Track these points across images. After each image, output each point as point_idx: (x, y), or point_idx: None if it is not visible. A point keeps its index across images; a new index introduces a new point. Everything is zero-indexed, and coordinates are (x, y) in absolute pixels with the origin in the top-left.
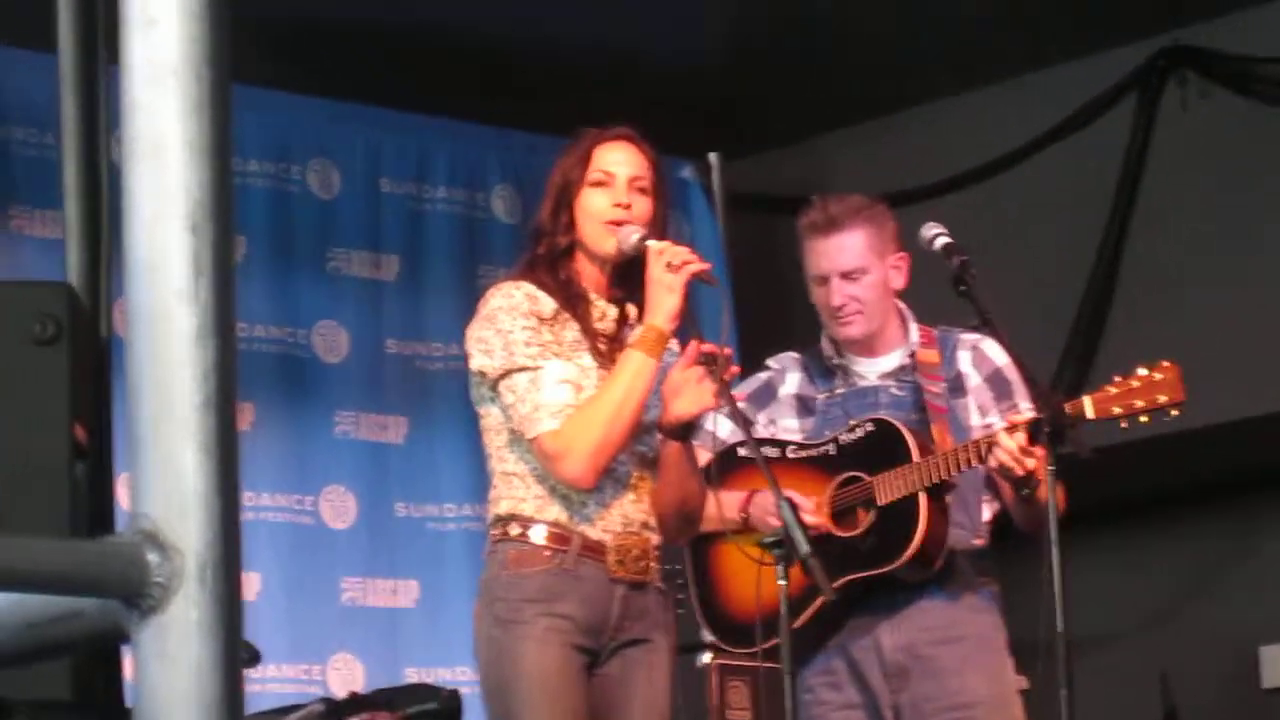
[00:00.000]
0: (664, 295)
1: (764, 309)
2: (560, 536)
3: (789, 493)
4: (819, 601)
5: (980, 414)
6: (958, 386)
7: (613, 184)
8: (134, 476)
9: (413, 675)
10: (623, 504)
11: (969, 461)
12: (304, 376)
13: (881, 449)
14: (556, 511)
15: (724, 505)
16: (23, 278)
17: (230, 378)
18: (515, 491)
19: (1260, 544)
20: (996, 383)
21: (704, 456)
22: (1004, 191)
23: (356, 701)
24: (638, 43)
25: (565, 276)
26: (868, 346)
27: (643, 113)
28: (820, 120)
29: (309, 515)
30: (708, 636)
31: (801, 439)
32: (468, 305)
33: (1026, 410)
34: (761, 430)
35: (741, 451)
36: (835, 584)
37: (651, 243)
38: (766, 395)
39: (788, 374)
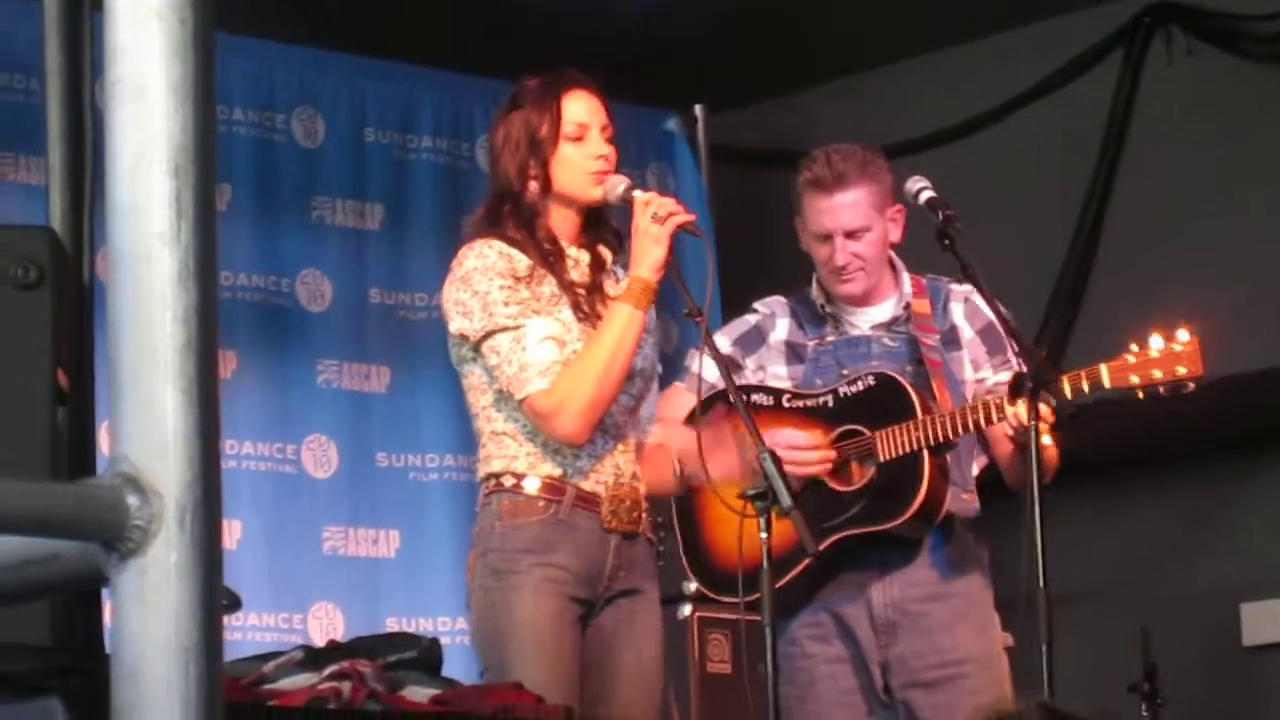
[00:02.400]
0: (650, 246)
1: (748, 260)
2: (554, 488)
3: (788, 432)
4: (808, 558)
5: (973, 368)
6: (952, 339)
7: (587, 136)
8: (114, 419)
9: (393, 625)
10: (614, 455)
11: (977, 422)
12: (287, 325)
13: (883, 403)
14: (550, 466)
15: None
16: (6, 223)
17: (211, 320)
18: (506, 450)
19: (1242, 501)
20: (990, 336)
21: (688, 399)
22: (989, 147)
23: (336, 649)
24: None
25: (540, 232)
26: (861, 296)
27: (628, 64)
28: (804, 74)
29: (291, 464)
30: (691, 585)
31: (791, 386)
32: (452, 256)
33: (1016, 365)
34: (750, 376)
35: (731, 398)
36: (831, 540)
37: (638, 193)
38: (755, 340)
39: (777, 319)
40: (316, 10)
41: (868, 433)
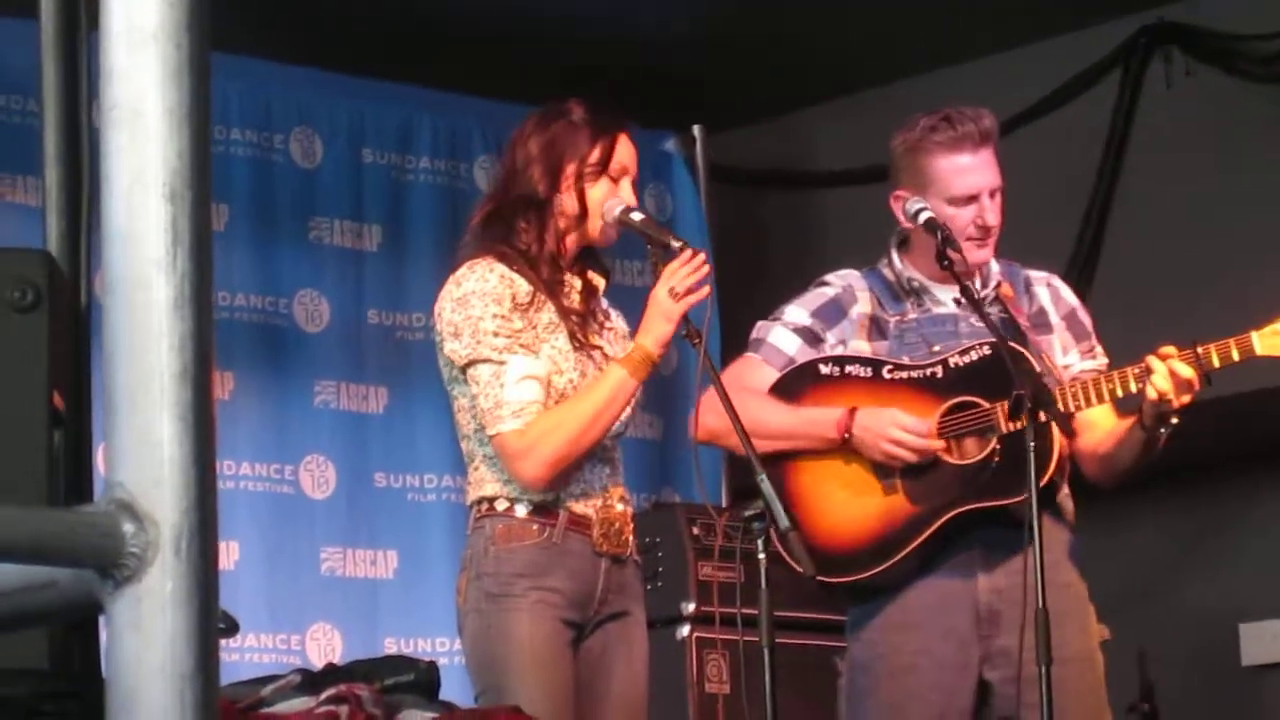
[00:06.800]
0: (660, 321)
1: (746, 281)
2: (547, 511)
3: (895, 413)
4: (919, 539)
5: (1063, 353)
6: (1041, 322)
7: (623, 182)
8: (110, 446)
9: (391, 646)
10: (603, 479)
11: (1113, 392)
12: (285, 346)
13: (1002, 374)
14: (542, 491)
15: (816, 423)
16: (2, 245)
17: (208, 347)
18: (500, 474)
19: (1241, 521)
20: (1074, 322)
21: (769, 372)
22: None
23: (333, 672)
24: (621, 14)
25: (548, 245)
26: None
27: (626, 85)
28: (802, 95)
29: (289, 485)
30: (689, 605)
31: (888, 357)
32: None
33: (1100, 353)
34: (828, 350)
35: (824, 369)
36: (946, 517)
37: (671, 265)
38: (835, 312)
39: (857, 292)
40: (315, 31)
41: (985, 404)
